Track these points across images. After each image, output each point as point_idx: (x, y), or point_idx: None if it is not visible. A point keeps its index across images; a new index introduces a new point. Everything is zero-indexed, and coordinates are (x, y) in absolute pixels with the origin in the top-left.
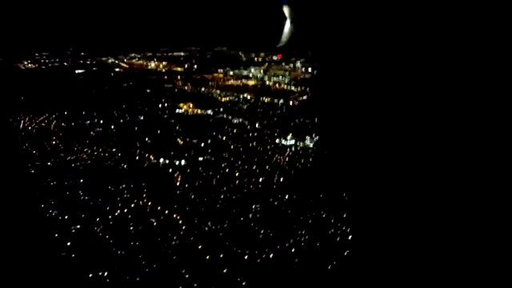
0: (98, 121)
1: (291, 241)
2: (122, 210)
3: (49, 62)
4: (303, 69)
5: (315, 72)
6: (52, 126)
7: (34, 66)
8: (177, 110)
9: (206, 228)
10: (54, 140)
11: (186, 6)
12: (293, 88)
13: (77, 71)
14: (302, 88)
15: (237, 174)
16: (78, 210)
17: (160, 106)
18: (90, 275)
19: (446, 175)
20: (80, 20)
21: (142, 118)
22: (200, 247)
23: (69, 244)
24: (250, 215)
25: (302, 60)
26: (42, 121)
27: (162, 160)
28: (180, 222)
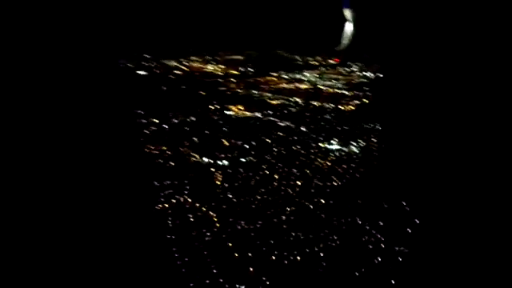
0: (153, 120)
1: (321, 245)
2: (162, 205)
3: (114, 64)
4: (359, 73)
5: (372, 76)
6: (108, 123)
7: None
8: (226, 112)
9: (239, 227)
10: (109, 136)
11: (247, 9)
12: (345, 92)
13: (139, 72)
14: (355, 92)
15: (276, 177)
16: (121, 203)
17: (211, 107)
18: (124, 263)
19: None
20: (147, 24)
21: (193, 118)
22: (231, 245)
23: (108, 233)
24: (284, 217)
25: (359, 64)
26: (99, 117)
27: (206, 159)
28: (215, 219)
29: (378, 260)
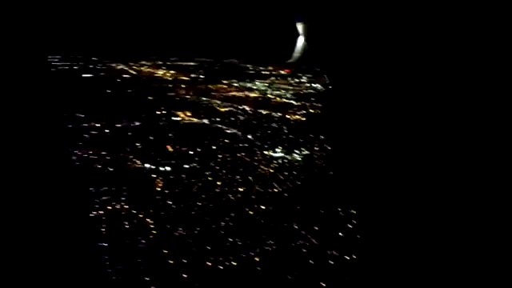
0: (95, 124)
1: (257, 250)
2: (97, 212)
3: (59, 65)
4: (308, 84)
5: (320, 88)
6: (47, 127)
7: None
8: (174, 118)
9: (177, 233)
10: (45, 142)
11: (202, 17)
12: (293, 102)
13: (84, 75)
14: (302, 102)
15: (218, 183)
16: (53, 211)
17: (158, 112)
18: (52, 274)
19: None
20: (96, 26)
21: (137, 123)
22: (166, 251)
23: (34, 244)
24: (223, 223)
25: (309, 75)
26: (38, 122)
27: (147, 165)
28: (151, 226)
29: (310, 263)
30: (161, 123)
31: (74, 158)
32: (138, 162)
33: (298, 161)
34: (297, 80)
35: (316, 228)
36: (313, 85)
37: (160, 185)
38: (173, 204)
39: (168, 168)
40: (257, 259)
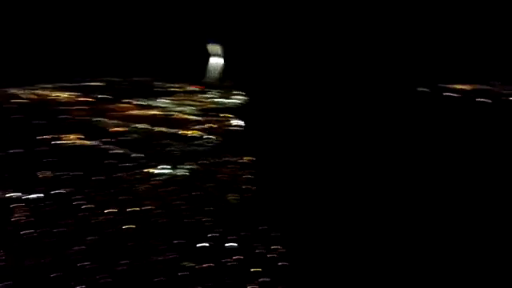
0: None
1: (111, 271)
2: None
3: None
4: (214, 99)
5: (226, 102)
6: None
7: None
8: (58, 142)
9: (25, 263)
10: None
11: (117, 35)
12: (193, 117)
13: None
14: (202, 118)
15: (85, 207)
16: None
17: (41, 137)
18: None
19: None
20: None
21: (13, 151)
22: (9, 282)
23: None
24: (76, 248)
25: (218, 90)
26: None
27: (9, 194)
28: None
29: (162, 279)
30: (41, 148)
31: None
32: None
33: (180, 176)
34: (205, 95)
35: (175, 242)
36: (219, 100)
37: (17, 215)
38: (26, 233)
39: (33, 196)
40: (109, 280)
